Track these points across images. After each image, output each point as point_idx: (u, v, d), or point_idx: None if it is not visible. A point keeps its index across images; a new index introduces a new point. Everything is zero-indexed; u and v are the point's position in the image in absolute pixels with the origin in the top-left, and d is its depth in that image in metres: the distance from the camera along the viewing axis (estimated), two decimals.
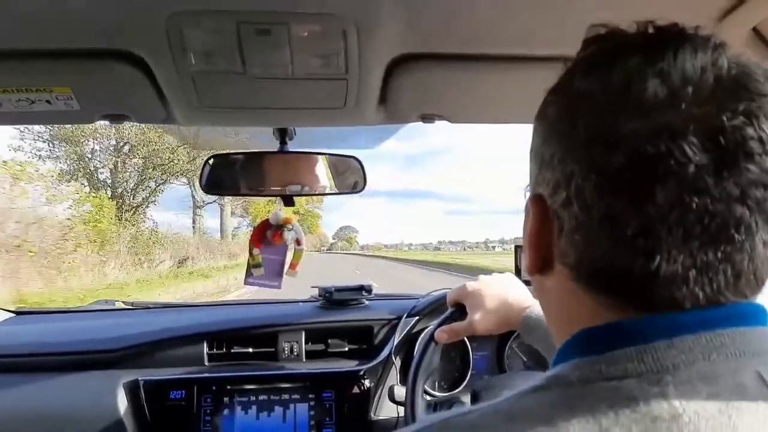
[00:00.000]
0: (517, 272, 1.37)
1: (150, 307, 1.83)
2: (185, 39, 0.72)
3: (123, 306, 1.83)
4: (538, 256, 0.46)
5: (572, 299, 0.44)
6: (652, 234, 0.37)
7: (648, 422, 0.34)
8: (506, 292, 0.99)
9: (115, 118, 0.95)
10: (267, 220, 1.33)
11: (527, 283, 1.05)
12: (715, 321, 0.38)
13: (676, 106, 0.36)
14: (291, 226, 1.33)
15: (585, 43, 0.44)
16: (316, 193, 1.31)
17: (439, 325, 1.03)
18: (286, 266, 1.39)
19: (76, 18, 0.70)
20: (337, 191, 1.30)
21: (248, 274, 1.38)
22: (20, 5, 0.67)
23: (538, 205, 0.45)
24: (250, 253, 1.36)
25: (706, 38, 0.39)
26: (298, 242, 1.39)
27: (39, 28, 0.73)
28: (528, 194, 0.52)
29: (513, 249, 1.40)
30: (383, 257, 60.12)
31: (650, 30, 0.41)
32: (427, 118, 1.02)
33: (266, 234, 1.33)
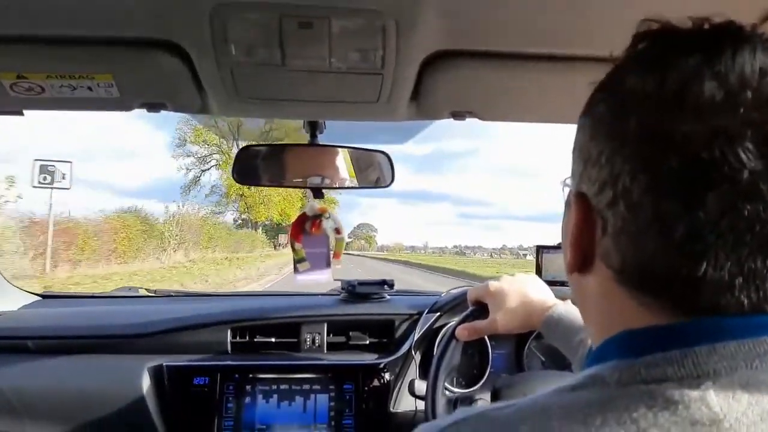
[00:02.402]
0: (538, 271, 1.38)
1: (172, 295, 1.86)
2: (228, 30, 0.74)
3: (146, 293, 1.86)
4: (579, 254, 0.45)
5: (613, 299, 0.43)
6: (700, 239, 0.36)
7: (687, 426, 0.34)
8: (528, 292, 0.99)
9: (153, 106, 0.97)
10: (304, 213, 1.34)
11: (549, 283, 1.05)
12: (759, 328, 0.37)
13: (733, 109, 0.35)
14: (328, 215, 1.34)
15: (636, 38, 0.43)
16: (337, 186, 1.32)
17: (461, 322, 1.03)
18: (331, 256, 1.40)
19: (122, 7, 0.72)
20: (358, 185, 1.32)
21: (295, 269, 1.38)
22: None
23: (581, 203, 0.44)
24: (293, 248, 1.36)
25: (766, 38, 0.38)
26: (337, 231, 1.39)
27: (85, 17, 0.74)
28: (567, 189, 0.51)
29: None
30: (411, 264, 45.73)
31: (705, 27, 0.40)
32: (458, 115, 1.02)
33: (305, 226, 1.34)
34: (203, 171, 42.99)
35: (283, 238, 44.80)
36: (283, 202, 41.66)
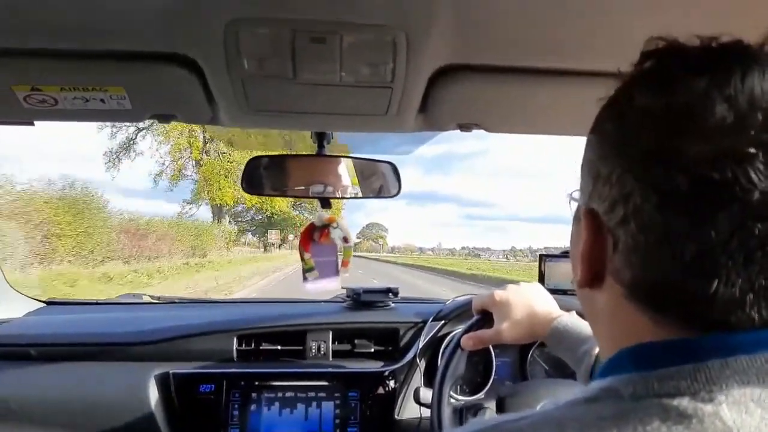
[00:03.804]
0: (541, 280, 1.38)
1: (176, 302, 1.86)
2: (241, 44, 0.74)
3: (150, 300, 1.87)
4: (590, 270, 0.46)
5: (625, 315, 0.43)
6: (711, 258, 0.36)
7: None
8: (534, 302, 1.00)
9: (164, 117, 0.98)
10: (312, 223, 1.36)
11: (552, 291, 1.06)
12: None
13: (743, 131, 0.36)
14: (336, 225, 1.36)
15: (643, 56, 0.43)
16: (341, 196, 1.33)
17: (466, 331, 1.04)
18: (339, 265, 1.42)
19: (136, 22, 0.73)
20: (361, 195, 1.33)
21: (304, 278, 1.40)
22: (83, 9, 0.70)
23: (591, 221, 0.45)
24: (302, 258, 1.38)
25: None
26: (345, 240, 1.41)
27: (99, 31, 0.75)
28: (574, 202, 0.52)
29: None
30: (436, 270, 36.92)
31: (714, 46, 0.40)
32: (464, 127, 1.03)
33: (313, 236, 1.35)
34: (138, 132, 29.36)
35: (275, 236, 38.90)
36: None
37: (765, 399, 0.36)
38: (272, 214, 38.35)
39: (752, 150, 0.35)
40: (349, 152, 1.40)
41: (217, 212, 32.84)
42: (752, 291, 0.37)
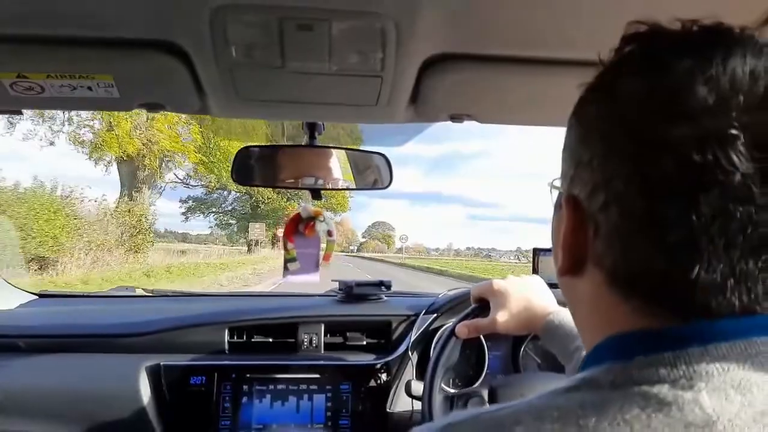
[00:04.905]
0: (534, 273, 1.38)
1: (169, 295, 1.86)
2: (228, 32, 0.74)
3: (143, 293, 1.87)
4: (570, 257, 0.46)
5: (605, 303, 0.43)
6: (693, 242, 0.36)
7: (681, 428, 0.34)
8: (532, 295, 1.00)
9: (152, 107, 0.97)
10: (298, 214, 1.36)
11: (552, 286, 1.05)
12: (750, 329, 0.37)
13: (725, 113, 0.36)
14: (322, 218, 1.36)
15: (624, 40, 0.43)
16: (332, 187, 1.33)
17: (462, 319, 1.04)
18: (321, 258, 1.42)
19: (123, 9, 0.72)
20: (355, 187, 1.32)
21: (285, 268, 1.40)
22: None
23: (572, 207, 0.44)
24: (285, 248, 1.39)
25: (756, 41, 0.39)
26: (329, 233, 1.41)
27: (85, 18, 0.74)
28: (555, 190, 0.52)
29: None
30: (455, 275, 26.48)
31: (695, 29, 0.40)
32: (456, 118, 1.03)
33: (298, 227, 1.36)
34: None
35: (258, 231, 30.01)
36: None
37: (745, 386, 0.35)
38: (258, 202, 33.42)
39: (733, 132, 0.35)
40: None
41: (128, 176, 20.66)
42: (733, 276, 0.36)
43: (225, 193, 36.12)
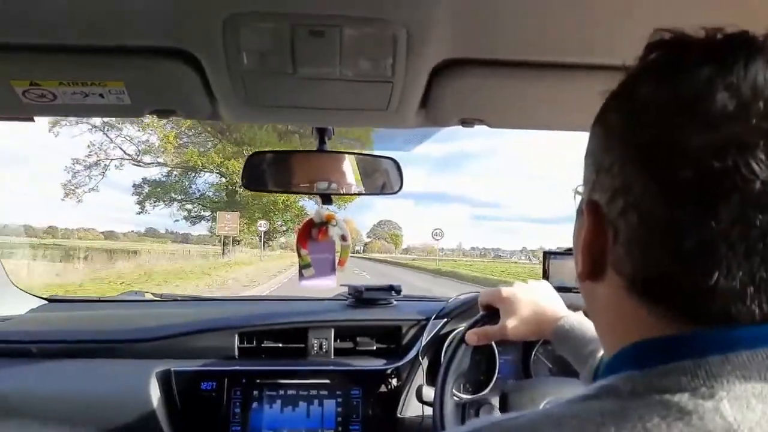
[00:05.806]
0: (545, 277, 1.37)
1: (178, 300, 1.87)
2: (240, 39, 0.74)
3: (152, 297, 1.87)
4: (590, 262, 0.46)
5: (625, 308, 0.43)
6: (712, 249, 0.36)
7: None
8: (540, 300, 0.99)
9: (163, 113, 0.97)
10: (311, 219, 1.36)
11: (557, 289, 1.05)
12: None
13: (745, 120, 0.36)
14: (335, 222, 1.35)
15: (649, 48, 0.43)
16: (343, 192, 1.32)
17: (471, 326, 1.03)
18: (336, 263, 1.41)
19: (135, 16, 0.72)
20: (364, 192, 1.32)
21: (300, 274, 1.40)
22: (82, 3, 0.69)
23: (593, 212, 0.44)
24: (299, 254, 1.38)
25: None
26: (343, 238, 1.40)
27: (98, 26, 0.75)
28: (579, 197, 0.52)
29: None
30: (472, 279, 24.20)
31: (719, 37, 0.40)
32: (466, 123, 1.02)
33: (311, 233, 1.35)
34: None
35: (228, 222, 23.31)
36: None
37: (766, 394, 0.35)
38: (235, 187, 24.35)
39: (754, 139, 0.35)
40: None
41: None
42: (753, 284, 0.36)
43: (192, 174, 28.32)
